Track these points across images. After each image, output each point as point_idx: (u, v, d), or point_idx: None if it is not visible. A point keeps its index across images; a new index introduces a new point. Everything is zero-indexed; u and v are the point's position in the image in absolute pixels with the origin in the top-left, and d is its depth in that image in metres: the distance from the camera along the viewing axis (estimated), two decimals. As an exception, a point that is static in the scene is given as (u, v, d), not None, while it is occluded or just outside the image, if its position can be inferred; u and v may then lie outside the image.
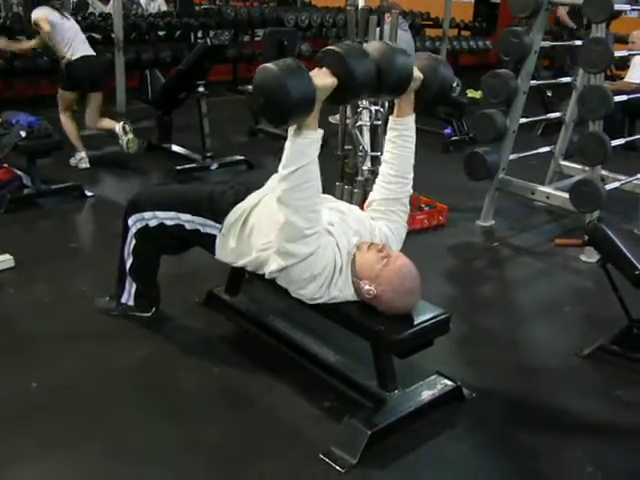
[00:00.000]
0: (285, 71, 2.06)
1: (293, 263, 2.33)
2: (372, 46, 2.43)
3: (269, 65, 2.09)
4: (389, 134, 2.59)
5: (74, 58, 5.12)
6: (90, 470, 2.20)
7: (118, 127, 5.24)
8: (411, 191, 2.63)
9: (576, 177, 4.49)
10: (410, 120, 2.55)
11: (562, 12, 8.43)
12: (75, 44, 5.14)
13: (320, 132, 2.23)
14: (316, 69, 2.20)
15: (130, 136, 5.22)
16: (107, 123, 5.38)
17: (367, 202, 2.71)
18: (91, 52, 5.30)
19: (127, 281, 2.97)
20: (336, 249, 2.37)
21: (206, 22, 9.02)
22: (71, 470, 2.20)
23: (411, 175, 2.61)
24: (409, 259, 2.42)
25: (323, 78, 2.17)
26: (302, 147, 2.20)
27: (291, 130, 2.20)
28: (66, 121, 5.25)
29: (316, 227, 2.30)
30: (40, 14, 5.03)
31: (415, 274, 2.36)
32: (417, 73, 2.44)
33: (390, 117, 2.59)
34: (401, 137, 2.56)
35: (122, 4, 7.26)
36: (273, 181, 2.58)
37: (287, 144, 2.23)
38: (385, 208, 2.61)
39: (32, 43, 5.46)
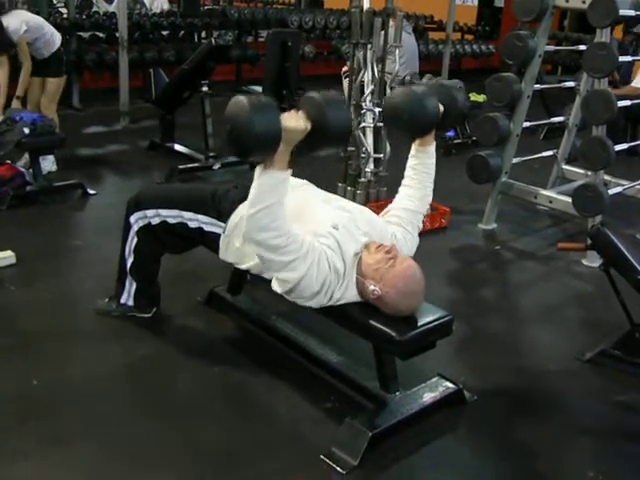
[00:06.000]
0: (254, 105, 2.08)
1: (290, 288, 2.34)
2: (400, 91, 2.60)
3: (241, 97, 2.12)
4: (411, 161, 2.70)
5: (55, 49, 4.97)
6: (89, 470, 2.19)
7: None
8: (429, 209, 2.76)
9: (579, 181, 4.48)
10: (432, 149, 2.68)
11: None
12: (54, 39, 4.96)
13: (288, 173, 2.20)
14: (292, 111, 2.18)
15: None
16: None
17: (386, 210, 2.75)
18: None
19: (127, 280, 2.95)
20: (335, 255, 2.35)
21: (210, 22, 9.03)
22: (70, 469, 2.19)
23: (430, 197, 2.73)
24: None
25: (296, 121, 2.15)
26: (268, 187, 2.17)
27: (259, 168, 2.19)
28: (55, 117, 5.05)
29: (297, 252, 2.26)
30: (16, 26, 4.55)
31: (420, 277, 2.36)
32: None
33: (412, 145, 2.70)
34: (423, 164, 2.68)
35: (126, 3, 7.23)
36: None
37: (254, 182, 2.21)
38: (405, 216, 2.67)
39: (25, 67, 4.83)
